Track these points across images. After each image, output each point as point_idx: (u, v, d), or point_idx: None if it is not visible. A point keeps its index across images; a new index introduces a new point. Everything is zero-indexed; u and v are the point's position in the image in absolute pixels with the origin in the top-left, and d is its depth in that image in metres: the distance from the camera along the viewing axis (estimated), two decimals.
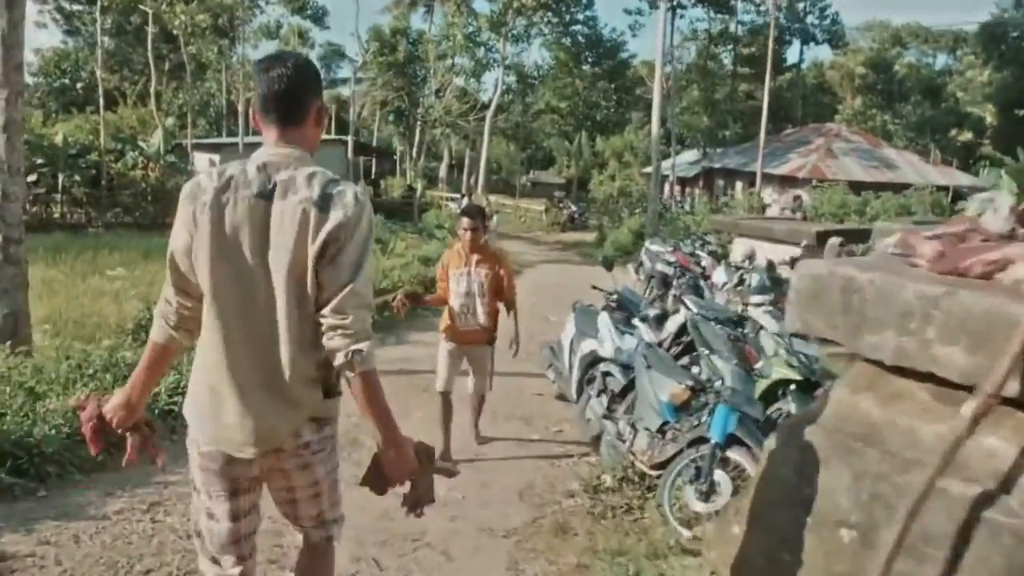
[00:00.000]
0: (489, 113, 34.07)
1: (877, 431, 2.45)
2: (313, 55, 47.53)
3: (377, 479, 2.30)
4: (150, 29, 31.13)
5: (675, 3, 32.05)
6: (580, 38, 41.99)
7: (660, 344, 6.60)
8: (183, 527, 4.18)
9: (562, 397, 7.20)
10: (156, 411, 5.47)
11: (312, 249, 2.11)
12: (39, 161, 20.73)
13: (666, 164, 29.19)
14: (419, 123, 38.13)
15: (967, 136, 48.85)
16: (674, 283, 11.26)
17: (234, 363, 2.21)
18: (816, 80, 52.49)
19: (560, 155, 49.22)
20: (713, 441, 4.44)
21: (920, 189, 21.05)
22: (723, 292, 9.83)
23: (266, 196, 2.16)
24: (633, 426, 5.34)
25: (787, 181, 28.54)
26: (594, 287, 7.70)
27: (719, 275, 10.62)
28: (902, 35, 53.96)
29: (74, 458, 4.84)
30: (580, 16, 40.57)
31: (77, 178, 21.33)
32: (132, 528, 4.24)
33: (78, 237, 17.58)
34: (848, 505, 2.47)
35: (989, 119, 48.17)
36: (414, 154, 41.41)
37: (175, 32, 31.83)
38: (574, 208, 33.12)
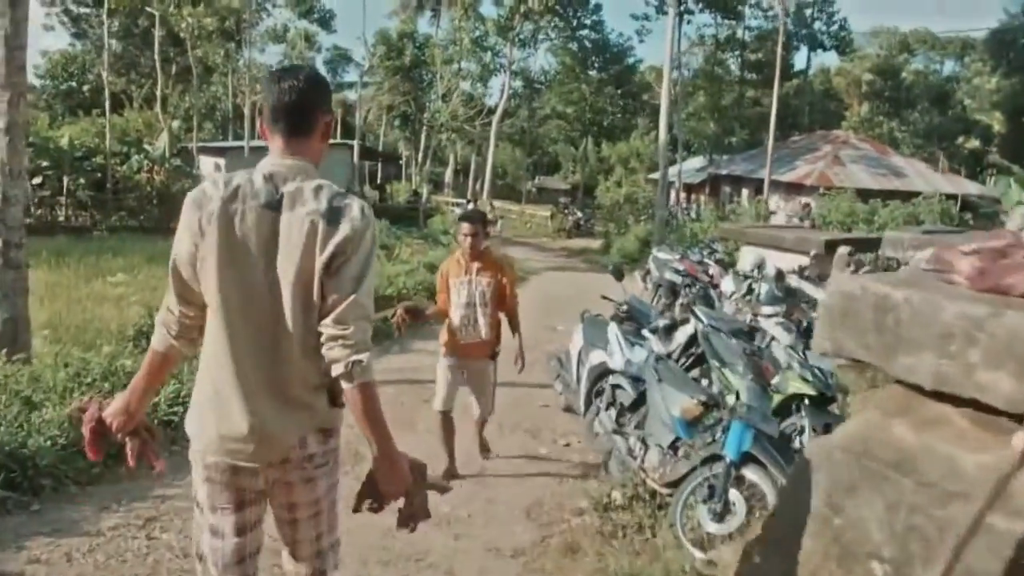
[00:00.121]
0: (495, 118, 34.00)
1: (912, 459, 2.31)
2: (319, 59, 47.79)
3: (372, 496, 2.28)
4: (157, 32, 31.15)
5: (683, 9, 31.94)
6: (587, 43, 41.87)
7: (669, 355, 6.45)
8: (180, 545, 4.05)
9: (569, 409, 7.05)
10: (156, 421, 5.33)
11: (320, 260, 2.14)
12: (44, 164, 20.75)
13: (672, 171, 29.03)
14: (425, 128, 38.11)
15: (974, 144, 48.66)
16: (682, 292, 11.13)
17: (241, 372, 2.21)
18: (823, 86, 52.34)
19: (566, 161, 49.19)
20: (728, 459, 4.29)
21: (929, 197, 20.87)
22: (731, 301, 9.69)
23: (274, 207, 2.18)
24: (644, 442, 5.18)
25: (794, 188, 28.40)
26: (604, 297, 7.55)
27: (727, 284, 10.47)
28: (910, 41, 53.80)
29: (70, 470, 4.71)
30: (587, 21, 40.50)
31: (82, 181, 21.34)
32: (127, 546, 4.10)
33: (82, 240, 17.53)
34: (880, 537, 2.32)
35: (997, 127, 47.98)
36: (420, 159, 41.43)
37: (182, 35, 31.90)
38: (580, 214, 32.99)
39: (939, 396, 2.31)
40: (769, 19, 40.76)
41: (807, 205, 20.43)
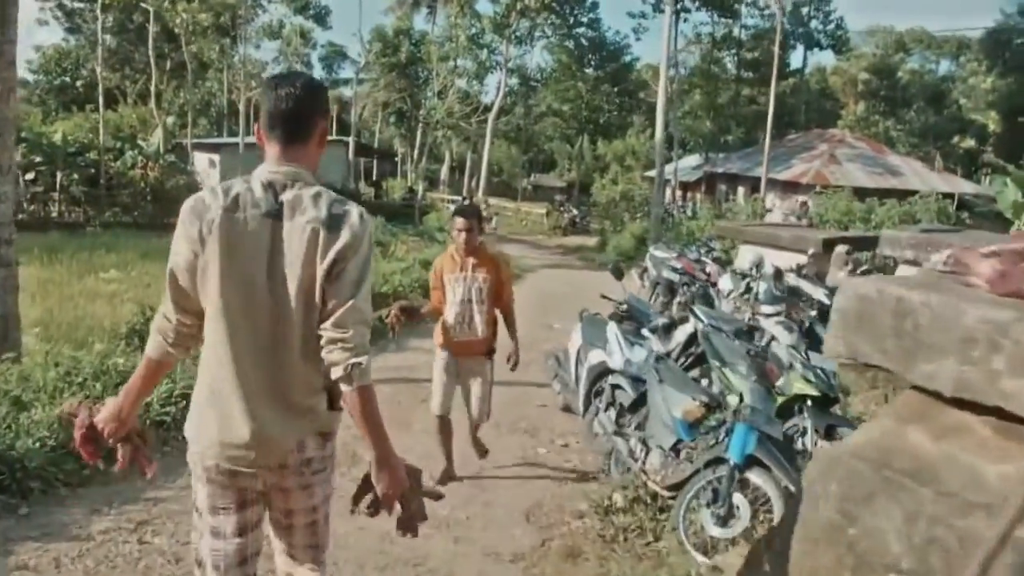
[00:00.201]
0: (491, 115, 33.93)
1: (931, 468, 2.23)
2: (315, 55, 47.58)
3: (369, 498, 2.30)
4: (151, 27, 31.00)
5: (679, 7, 31.83)
6: (583, 41, 41.76)
7: (668, 355, 6.37)
8: (172, 550, 3.96)
9: (567, 408, 6.97)
10: (148, 421, 5.24)
11: (321, 267, 2.18)
12: (37, 159, 20.61)
13: (668, 168, 28.94)
14: (421, 125, 37.95)
15: (970, 143, 48.74)
16: (680, 290, 11.06)
17: (242, 377, 2.23)
18: (819, 85, 52.32)
19: (562, 158, 49.11)
20: (731, 462, 4.22)
21: (925, 196, 20.82)
22: (729, 300, 9.62)
23: (274, 215, 2.21)
24: (645, 443, 5.10)
25: (790, 187, 28.33)
26: (603, 296, 7.45)
27: (725, 283, 10.38)
28: (906, 40, 53.81)
29: (59, 472, 4.60)
30: (584, 18, 40.37)
31: (76, 177, 21.20)
32: (117, 551, 4.00)
33: (75, 236, 17.37)
34: (899, 549, 2.24)
35: (992, 126, 48.06)
36: (415, 156, 41.31)
37: (177, 31, 31.73)
38: (575, 212, 32.87)
39: (959, 403, 2.23)
40: (765, 18, 40.74)
41: (805, 203, 20.34)
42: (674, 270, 11.68)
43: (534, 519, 4.80)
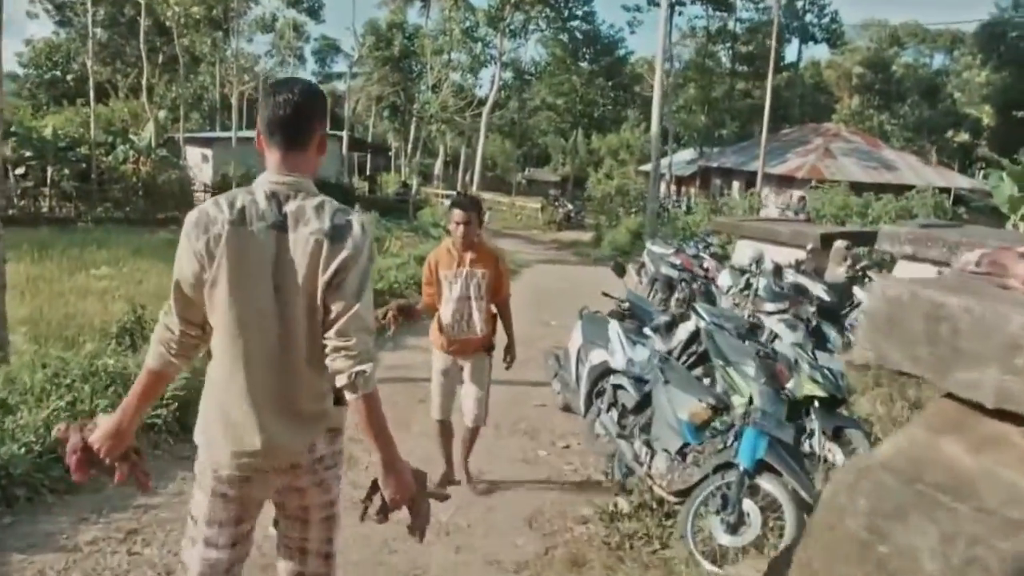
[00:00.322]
0: (485, 109, 33.81)
1: (969, 483, 2.10)
2: (308, 49, 47.29)
3: (378, 504, 2.29)
4: (143, 21, 30.68)
5: (675, 0, 31.68)
6: (578, 34, 41.68)
7: (669, 353, 6.22)
8: (163, 562, 3.81)
9: (567, 408, 6.83)
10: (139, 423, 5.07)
11: (323, 278, 2.20)
12: (28, 154, 20.40)
13: (662, 163, 28.81)
14: (415, 119, 37.79)
15: (964, 137, 48.76)
16: (679, 287, 10.92)
17: (252, 385, 2.26)
18: (813, 79, 52.26)
19: (556, 153, 48.90)
20: (741, 468, 4.09)
21: (922, 191, 20.73)
22: (728, 296, 9.48)
23: (279, 227, 2.23)
24: (650, 446, 4.94)
25: (785, 181, 28.22)
26: (605, 294, 7.30)
27: (724, 279, 10.23)
28: (900, 34, 53.80)
29: (46, 479, 4.42)
30: (578, 12, 40.25)
31: (66, 171, 21.00)
32: (105, 563, 3.83)
33: (66, 232, 17.18)
34: (934, 568, 2.11)
35: (986, 120, 48.07)
36: (409, 150, 41.14)
37: (168, 24, 31.49)
38: (570, 206, 32.74)
39: (1000, 414, 2.10)
40: (760, 11, 40.63)
41: (802, 198, 20.23)
42: (672, 266, 11.54)
43: (537, 525, 4.65)
